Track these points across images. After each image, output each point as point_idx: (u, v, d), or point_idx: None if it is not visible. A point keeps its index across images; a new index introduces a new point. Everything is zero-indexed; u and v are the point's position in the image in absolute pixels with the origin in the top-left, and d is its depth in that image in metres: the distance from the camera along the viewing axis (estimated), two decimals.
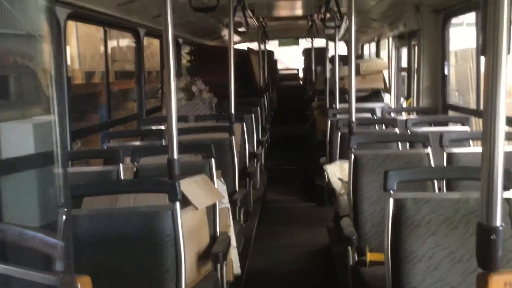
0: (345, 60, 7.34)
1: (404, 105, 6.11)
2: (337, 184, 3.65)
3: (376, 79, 7.39)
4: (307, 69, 11.73)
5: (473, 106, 4.62)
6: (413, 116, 4.82)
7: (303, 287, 3.91)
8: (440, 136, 2.98)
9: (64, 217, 1.99)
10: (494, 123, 1.16)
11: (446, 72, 4.85)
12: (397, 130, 3.88)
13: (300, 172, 7.63)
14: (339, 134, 4.26)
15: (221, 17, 6.58)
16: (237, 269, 3.13)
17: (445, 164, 2.88)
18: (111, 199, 2.24)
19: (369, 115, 4.96)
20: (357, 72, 8.04)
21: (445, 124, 4.23)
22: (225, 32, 8.49)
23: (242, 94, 7.47)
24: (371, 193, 2.92)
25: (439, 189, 2.63)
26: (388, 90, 7.21)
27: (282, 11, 7.66)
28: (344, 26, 6.44)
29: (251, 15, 6.55)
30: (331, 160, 4.69)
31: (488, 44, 1.00)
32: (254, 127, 5.77)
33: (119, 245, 1.97)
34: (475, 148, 3.01)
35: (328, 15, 6.15)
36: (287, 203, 6.42)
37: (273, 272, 4.20)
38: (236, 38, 9.47)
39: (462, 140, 3.16)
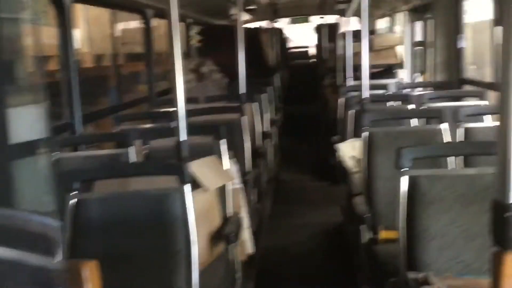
0: (358, 35, 7.21)
1: (419, 80, 5.99)
2: (349, 163, 3.60)
3: (389, 55, 7.24)
4: (319, 46, 11.56)
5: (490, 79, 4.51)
6: (428, 91, 4.71)
7: (316, 266, 3.91)
8: (455, 111, 2.91)
9: (74, 201, 2.00)
10: (510, 96, 1.11)
11: (461, 45, 4.73)
12: (411, 106, 3.80)
13: (313, 151, 7.60)
14: (352, 112, 4.19)
15: None
16: (250, 248, 3.13)
17: (461, 139, 2.81)
18: (123, 183, 2.23)
19: (382, 91, 4.87)
20: (370, 48, 7.88)
21: (461, 99, 4.13)
22: (234, 11, 8.37)
23: (254, 74, 7.40)
24: (385, 171, 2.87)
25: (456, 166, 2.57)
26: (402, 66, 7.07)
27: None
28: (356, 0, 6.30)
29: None
30: (343, 138, 4.63)
31: (504, 15, 0.94)
32: (268, 106, 5.72)
33: (130, 228, 1.97)
34: (493, 122, 2.93)
35: None
36: (300, 182, 6.41)
37: (286, 251, 4.21)
38: (246, 16, 9.34)
39: (478, 114, 3.08)
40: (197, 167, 2.37)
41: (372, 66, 6.31)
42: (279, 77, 9.07)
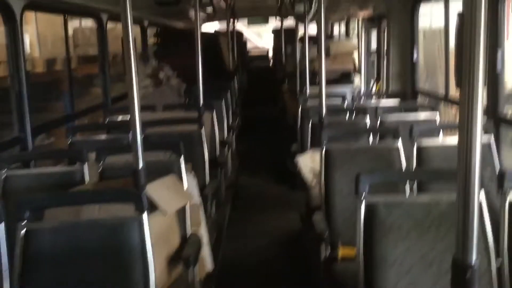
0: (315, 40, 7.27)
1: (374, 88, 6.13)
2: (308, 176, 3.63)
3: (346, 61, 7.36)
4: (277, 49, 11.60)
5: (441, 91, 4.67)
6: (383, 100, 4.82)
7: (274, 280, 3.92)
8: (410, 128, 2.98)
9: (23, 231, 1.90)
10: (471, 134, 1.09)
11: (415, 57, 4.87)
12: (367, 118, 3.87)
13: (271, 156, 7.62)
14: (310, 122, 4.23)
15: None
16: (209, 265, 3.09)
17: (414, 158, 2.89)
18: (75, 208, 2.14)
19: (339, 100, 4.94)
20: (327, 54, 7.98)
21: (415, 110, 4.25)
22: (192, 13, 8.26)
23: (211, 78, 7.33)
24: (342, 187, 2.91)
25: (411, 189, 2.64)
26: (358, 72, 7.21)
27: None
28: (314, 6, 6.35)
29: None
30: (302, 147, 4.67)
31: (463, 77, 0.96)
32: (224, 113, 5.68)
33: (84, 259, 1.89)
34: (445, 140, 3.02)
35: None
36: (259, 187, 6.41)
37: (246, 264, 4.19)
38: (203, 17, 9.22)
39: (431, 131, 3.18)
40: (155, 190, 2.32)
41: (329, 72, 6.41)
42: (238, 80, 9.03)
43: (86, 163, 2.79)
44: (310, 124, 4.29)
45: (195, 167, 3.51)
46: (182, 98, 5.95)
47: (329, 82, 6.40)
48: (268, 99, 10.01)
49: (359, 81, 7.09)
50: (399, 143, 2.92)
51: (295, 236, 4.71)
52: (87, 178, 2.80)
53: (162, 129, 3.90)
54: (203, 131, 3.85)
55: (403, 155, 2.87)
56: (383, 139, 3.52)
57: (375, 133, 3.40)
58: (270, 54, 13.34)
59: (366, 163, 2.93)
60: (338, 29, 9.52)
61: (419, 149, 2.91)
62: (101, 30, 4.98)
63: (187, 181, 2.98)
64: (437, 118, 3.82)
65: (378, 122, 3.82)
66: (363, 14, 6.38)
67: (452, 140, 3.01)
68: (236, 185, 5.94)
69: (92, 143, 3.61)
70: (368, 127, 3.70)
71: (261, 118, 9.51)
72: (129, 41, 2.20)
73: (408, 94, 4.90)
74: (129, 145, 3.09)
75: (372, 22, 6.21)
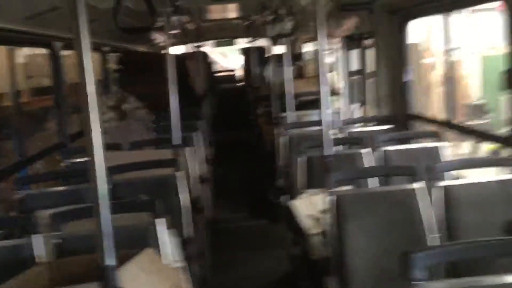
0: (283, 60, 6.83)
1: (356, 112, 5.71)
2: (306, 223, 3.11)
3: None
4: (247, 70, 11.19)
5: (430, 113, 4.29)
6: (375, 128, 4.36)
7: None
8: (428, 167, 2.52)
9: None
10: None
11: (407, 78, 4.47)
12: (369, 152, 3.38)
13: (248, 185, 7.11)
14: (303, 160, 3.61)
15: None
16: None
17: (444, 204, 2.42)
18: None
19: (317, 126, 4.43)
20: (300, 75, 7.58)
21: (416, 138, 3.81)
22: (155, 36, 7.73)
23: (180, 104, 6.78)
24: (360, 245, 2.42)
25: None
26: (336, 94, 6.81)
27: (218, 14, 7.06)
28: (287, 27, 5.96)
29: (187, 19, 5.90)
30: (291, 185, 4.11)
31: None
32: (201, 146, 5.12)
33: None
34: (472, 179, 2.57)
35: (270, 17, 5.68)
36: (238, 222, 5.88)
37: None
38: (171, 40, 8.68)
39: (455, 169, 2.73)
40: (129, 277, 1.74)
41: (302, 94, 5.97)
42: (208, 105, 8.51)
43: (39, 235, 2.19)
44: (299, 159, 3.75)
45: (173, 218, 2.94)
46: (150, 132, 5.33)
47: (305, 105, 5.95)
48: (240, 124, 9.54)
49: (339, 105, 6.67)
50: (420, 184, 2.46)
51: (285, 280, 4.21)
52: (40, 253, 2.19)
53: (130, 174, 3.30)
54: (179, 174, 3.28)
55: (427, 197, 2.41)
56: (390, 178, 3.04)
57: (391, 175, 2.90)
58: (237, 74, 12.91)
59: (383, 212, 2.45)
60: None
61: (446, 191, 2.44)
62: (54, 60, 4.35)
63: (167, 244, 2.43)
64: (446, 148, 3.38)
65: (381, 155, 3.34)
66: (340, 33, 5.99)
67: (480, 177, 2.56)
68: (214, 222, 5.38)
69: (47, 197, 2.99)
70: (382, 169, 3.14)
71: (235, 144, 9.01)
72: (84, 71, 1.68)
73: (401, 120, 4.47)
74: (91, 208, 2.51)
75: (351, 40, 5.82)
